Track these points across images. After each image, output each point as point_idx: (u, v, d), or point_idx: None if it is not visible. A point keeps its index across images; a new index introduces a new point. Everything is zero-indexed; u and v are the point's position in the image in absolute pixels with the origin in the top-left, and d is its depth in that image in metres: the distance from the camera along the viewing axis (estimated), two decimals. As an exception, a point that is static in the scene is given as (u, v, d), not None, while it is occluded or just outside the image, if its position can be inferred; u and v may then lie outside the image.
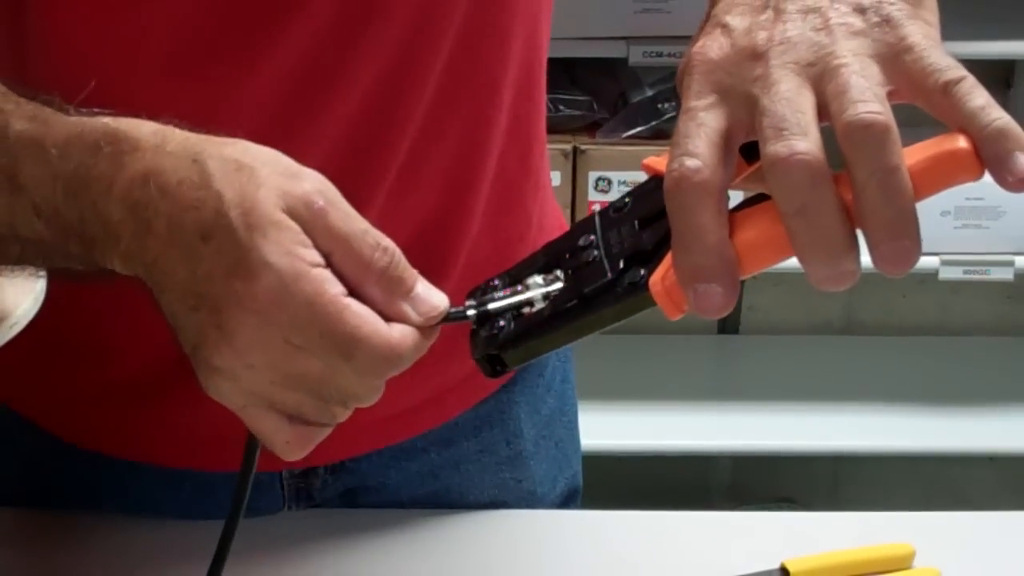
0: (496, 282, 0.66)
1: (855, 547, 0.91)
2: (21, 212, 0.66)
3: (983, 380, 2.15)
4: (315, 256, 0.61)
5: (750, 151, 0.60)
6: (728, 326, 2.30)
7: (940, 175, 0.56)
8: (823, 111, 0.56)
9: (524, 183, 0.94)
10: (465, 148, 0.87)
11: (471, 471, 0.99)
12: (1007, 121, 0.55)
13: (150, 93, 0.78)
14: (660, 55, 1.81)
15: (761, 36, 0.59)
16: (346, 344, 0.61)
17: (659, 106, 1.91)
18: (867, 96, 0.55)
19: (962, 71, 0.57)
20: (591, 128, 1.93)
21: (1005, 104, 2.22)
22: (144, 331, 0.67)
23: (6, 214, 0.67)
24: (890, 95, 0.56)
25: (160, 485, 0.94)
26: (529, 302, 0.64)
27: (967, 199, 1.84)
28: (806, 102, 0.56)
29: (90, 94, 0.72)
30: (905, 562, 0.90)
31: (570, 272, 0.64)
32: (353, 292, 0.62)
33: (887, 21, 0.58)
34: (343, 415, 0.65)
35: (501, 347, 0.64)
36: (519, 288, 0.65)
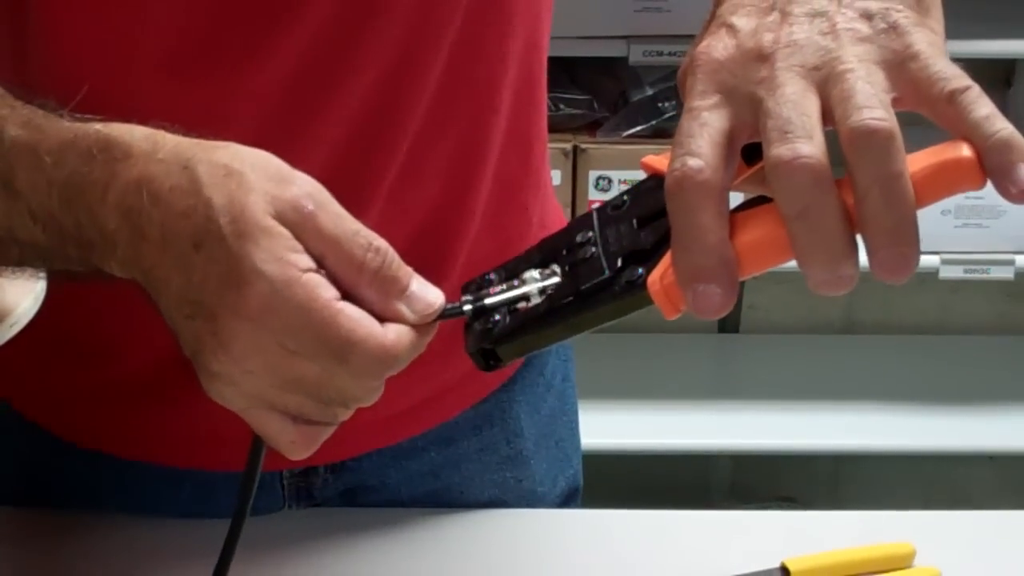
0: (492, 276, 0.66)
1: (855, 546, 0.91)
2: (18, 217, 0.66)
3: (983, 379, 2.14)
4: (306, 261, 0.61)
5: (750, 153, 0.60)
6: (728, 325, 2.30)
7: (943, 183, 0.56)
8: (827, 116, 0.56)
9: (524, 182, 0.94)
10: (465, 147, 0.87)
11: (471, 470, 0.99)
12: (1012, 132, 0.55)
13: (150, 94, 0.78)
14: (660, 54, 1.80)
15: (767, 38, 0.59)
16: (341, 348, 0.61)
17: (659, 105, 1.91)
18: (872, 102, 0.55)
19: (967, 80, 0.56)
20: (591, 127, 1.92)
21: (1005, 103, 2.21)
22: (144, 330, 0.67)
23: (4, 218, 0.67)
24: (894, 102, 0.56)
25: (160, 484, 0.94)
26: (525, 297, 0.64)
27: (967, 198, 1.83)
28: (811, 106, 0.56)
29: (89, 95, 0.72)
30: (905, 561, 0.90)
31: (567, 268, 0.63)
32: (347, 294, 0.62)
33: (893, 28, 0.58)
34: (345, 415, 0.65)
35: (495, 341, 0.64)
36: (515, 283, 0.65)
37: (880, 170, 0.54)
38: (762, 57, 0.58)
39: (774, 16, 0.60)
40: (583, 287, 0.62)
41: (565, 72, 1.96)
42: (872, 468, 2.36)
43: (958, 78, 0.57)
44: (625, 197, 0.64)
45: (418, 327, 0.64)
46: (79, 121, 0.66)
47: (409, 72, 0.82)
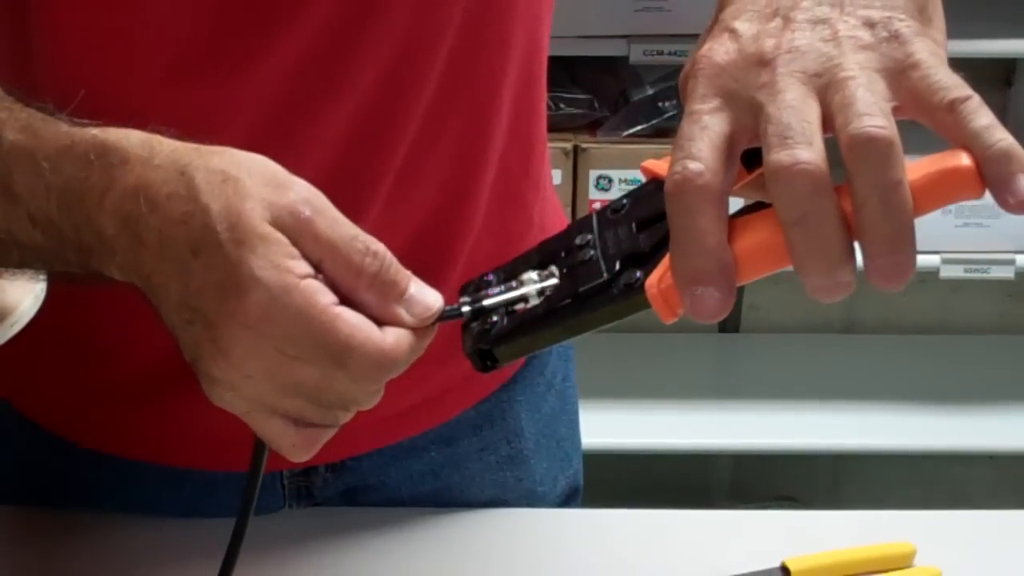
0: (490, 277, 0.66)
1: (856, 546, 0.91)
2: (17, 220, 0.67)
3: (984, 379, 2.14)
4: (304, 267, 0.61)
5: (750, 159, 0.60)
6: (729, 325, 2.30)
7: (941, 192, 0.56)
8: (827, 122, 0.56)
9: (525, 182, 0.94)
10: (465, 148, 0.87)
11: (472, 470, 0.99)
12: (1011, 143, 0.55)
13: (150, 96, 0.78)
14: (661, 53, 1.80)
15: (769, 43, 0.59)
16: (339, 353, 0.61)
17: (660, 104, 1.91)
18: (873, 110, 0.55)
19: (968, 90, 0.57)
20: (592, 126, 1.92)
21: (1005, 103, 2.21)
22: (145, 330, 0.67)
23: (3, 221, 0.67)
24: (895, 110, 0.56)
25: (161, 484, 0.94)
26: (523, 298, 0.64)
27: (968, 198, 1.83)
28: (811, 112, 0.56)
29: (90, 97, 0.72)
30: (905, 561, 0.90)
31: (565, 270, 0.63)
32: (346, 298, 0.62)
33: (895, 37, 0.58)
34: (345, 417, 0.65)
35: (493, 342, 0.64)
36: (513, 284, 0.65)
37: (879, 178, 0.54)
38: (763, 62, 0.58)
39: (776, 22, 0.60)
40: (581, 289, 0.62)
41: (565, 71, 1.96)
42: (872, 468, 2.36)
43: (959, 88, 0.57)
44: (625, 200, 0.64)
45: (417, 330, 0.64)
46: (77, 125, 0.66)
47: (409, 73, 0.82)
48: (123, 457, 0.94)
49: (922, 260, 1.90)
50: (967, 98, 0.56)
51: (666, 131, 1.87)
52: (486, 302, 0.65)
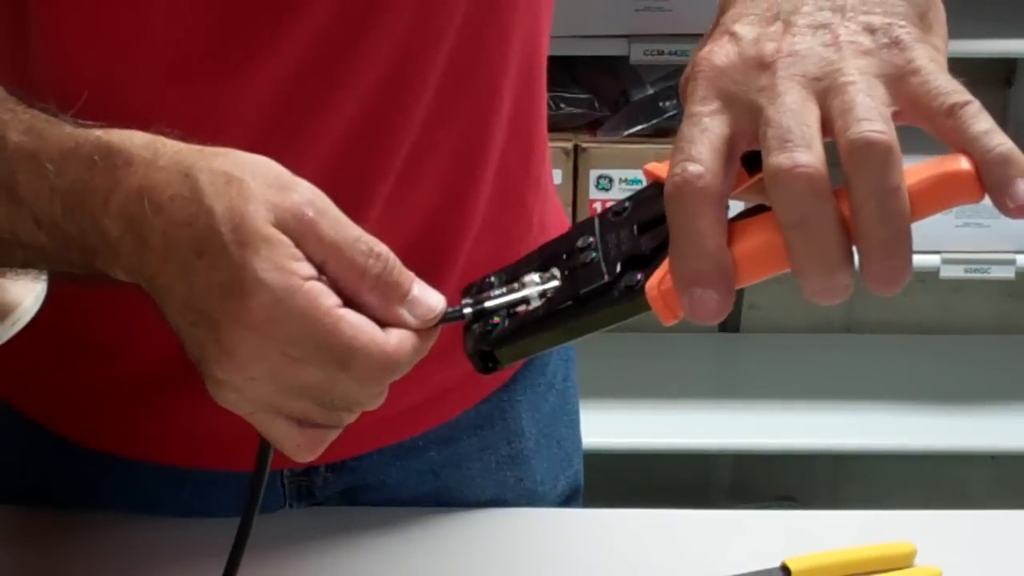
0: (492, 279, 0.66)
1: (856, 546, 0.91)
2: (21, 222, 0.67)
3: (984, 379, 2.14)
4: (307, 269, 0.61)
5: (752, 162, 0.60)
6: (729, 325, 2.30)
7: (940, 196, 0.56)
8: (826, 127, 0.56)
9: (525, 182, 0.94)
10: (465, 148, 0.87)
11: (472, 469, 0.99)
12: (1011, 147, 0.56)
13: (151, 97, 0.78)
14: (661, 53, 1.80)
15: (769, 47, 0.59)
16: (343, 355, 0.61)
17: (660, 104, 1.91)
18: (873, 115, 0.55)
19: (968, 95, 0.57)
20: (592, 126, 1.92)
21: (1006, 103, 2.20)
22: (146, 329, 0.67)
23: (7, 222, 0.67)
24: (894, 116, 0.57)
25: (162, 483, 0.94)
26: (525, 300, 0.64)
27: (968, 198, 1.83)
28: (811, 115, 0.56)
29: (92, 98, 0.72)
30: (906, 561, 0.90)
31: (567, 273, 0.64)
32: (349, 300, 0.62)
33: (896, 43, 0.58)
34: (350, 418, 0.65)
35: (494, 344, 0.64)
36: (515, 286, 0.65)
37: (877, 183, 0.55)
38: (763, 65, 0.59)
39: (777, 26, 0.60)
40: (582, 291, 0.62)
41: (566, 71, 1.96)
42: (873, 467, 2.36)
43: (958, 93, 0.57)
44: (627, 203, 0.64)
45: (420, 331, 0.64)
46: (80, 127, 0.66)
47: (409, 73, 0.82)
48: (124, 457, 0.94)
49: (922, 260, 1.91)
50: (967, 103, 0.56)
51: (667, 131, 1.87)
52: (488, 304, 0.65)
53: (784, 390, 2.10)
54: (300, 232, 0.62)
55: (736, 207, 0.60)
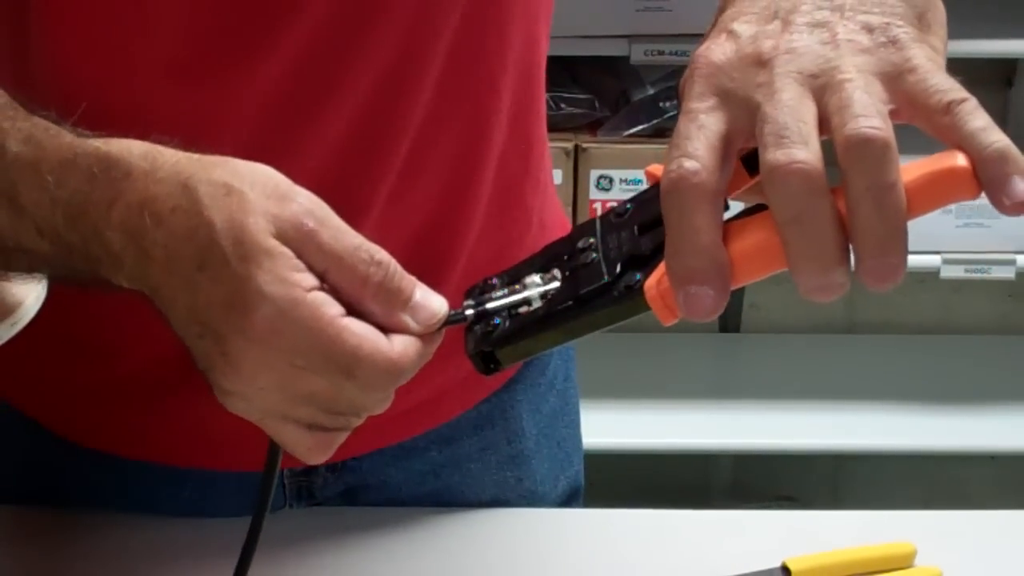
0: (494, 281, 0.66)
1: (856, 546, 0.91)
2: (25, 231, 0.67)
3: (985, 379, 2.14)
4: (309, 280, 0.62)
5: (752, 163, 0.60)
6: (729, 325, 2.30)
7: (937, 193, 0.56)
8: (823, 124, 0.56)
9: (525, 182, 0.94)
10: (465, 148, 0.87)
11: (472, 470, 0.99)
12: (1007, 144, 0.55)
13: (150, 96, 0.78)
14: (662, 53, 1.80)
15: (767, 44, 0.59)
16: (348, 364, 0.62)
17: (661, 104, 1.91)
18: (870, 112, 0.55)
19: (965, 93, 0.57)
20: (592, 126, 1.92)
21: (1006, 103, 2.20)
22: (146, 330, 0.67)
23: (11, 231, 0.68)
24: (891, 114, 0.56)
25: (162, 483, 0.94)
26: (526, 301, 0.64)
27: (968, 197, 1.83)
28: (808, 112, 0.56)
29: (92, 100, 0.72)
30: (906, 561, 0.90)
31: (567, 273, 0.64)
32: (352, 308, 0.62)
33: (894, 42, 0.58)
34: (358, 422, 0.66)
35: (495, 344, 0.64)
36: (516, 287, 0.65)
37: (874, 179, 0.55)
38: (761, 62, 0.59)
39: (775, 24, 0.60)
40: (582, 292, 0.62)
41: (566, 71, 1.96)
42: (873, 468, 2.36)
43: (955, 90, 0.57)
44: (628, 204, 0.64)
45: (423, 336, 0.64)
46: (79, 136, 0.66)
47: (408, 73, 0.82)
48: (124, 457, 0.94)
49: (923, 260, 1.91)
50: (963, 100, 0.56)
51: (667, 131, 1.85)
52: (489, 305, 0.65)
53: (784, 390, 2.10)
54: (301, 242, 0.62)
55: (736, 210, 0.60)
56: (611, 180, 1.87)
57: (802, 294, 0.57)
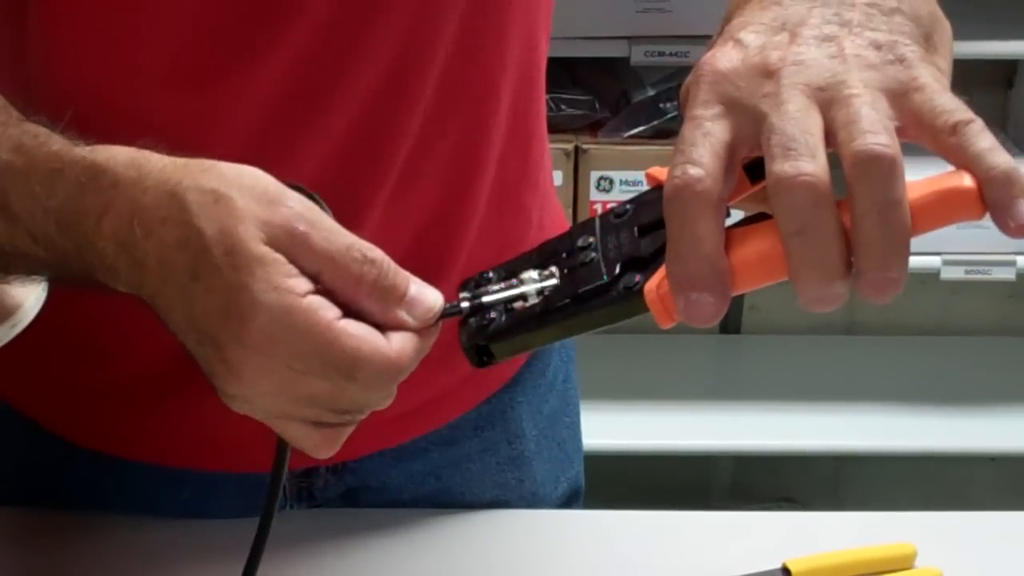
0: (490, 275, 0.66)
1: (856, 547, 0.91)
2: (20, 238, 0.67)
3: (985, 380, 2.14)
4: (304, 285, 0.61)
5: (754, 171, 0.60)
6: (730, 326, 2.30)
7: (941, 212, 0.56)
8: (828, 137, 0.57)
9: (524, 183, 0.94)
10: (464, 149, 0.87)
11: (473, 471, 0.99)
12: (1013, 167, 0.56)
13: (151, 102, 0.78)
14: (662, 54, 1.80)
15: (775, 55, 0.59)
16: (348, 367, 0.62)
17: (661, 105, 1.91)
18: (877, 128, 0.56)
19: (971, 114, 0.57)
20: (593, 127, 1.93)
21: (1006, 104, 2.19)
22: (146, 331, 0.67)
23: (6, 236, 0.68)
24: (897, 131, 0.57)
25: (162, 485, 0.94)
26: (522, 296, 0.64)
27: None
28: (815, 125, 0.57)
29: (90, 102, 0.72)
30: (907, 562, 0.90)
31: (566, 271, 0.64)
32: (347, 307, 0.62)
33: (901, 60, 0.58)
34: (362, 416, 0.66)
35: (490, 338, 0.64)
36: (513, 282, 0.65)
37: (879, 195, 0.55)
38: (768, 73, 0.59)
39: (783, 35, 0.60)
40: (581, 290, 0.62)
41: (566, 72, 1.96)
42: (873, 469, 2.36)
43: (962, 111, 0.57)
44: (628, 206, 0.64)
45: (421, 331, 0.64)
46: (66, 144, 0.66)
47: (408, 74, 0.82)
48: (124, 458, 0.94)
49: (923, 261, 1.91)
50: (970, 121, 0.57)
51: (667, 132, 1.87)
52: (485, 299, 0.65)
53: (784, 391, 2.10)
54: (293, 247, 0.62)
55: (736, 216, 0.60)
56: (611, 181, 1.88)
57: (801, 304, 0.57)
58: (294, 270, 0.61)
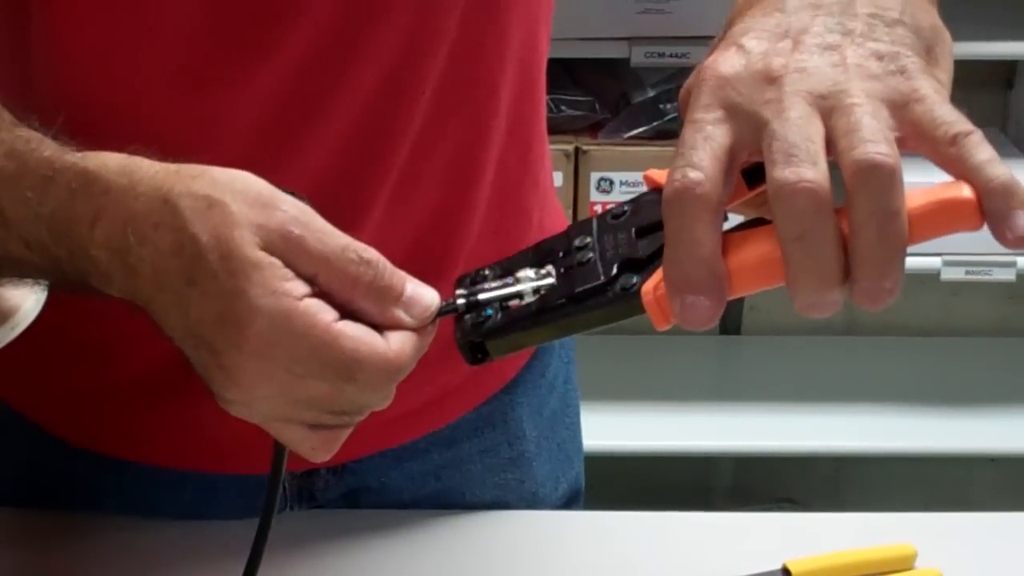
0: (487, 272, 0.67)
1: (857, 548, 0.91)
2: (12, 243, 0.67)
3: (985, 381, 2.14)
4: (300, 288, 0.62)
5: (751, 176, 0.60)
6: (730, 326, 2.30)
7: (940, 222, 0.57)
8: (829, 146, 0.57)
9: (524, 184, 0.94)
10: (465, 149, 0.87)
11: (473, 472, 0.99)
12: (1013, 179, 0.56)
13: (153, 103, 0.78)
14: (662, 55, 1.80)
15: (777, 62, 0.59)
16: (347, 369, 0.62)
17: (661, 106, 1.91)
18: (878, 137, 0.56)
19: (971, 126, 0.57)
20: (593, 128, 1.92)
21: (1006, 105, 2.19)
22: (145, 333, 0.67)
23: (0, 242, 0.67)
24: (896, 142, 0.57)
25: (161, 486, 0.94)
26: (518, 295, 0.64)
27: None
28: (816, 132, 0.57)
29: (93, 104, 0.72)
30: (907, 563, 0.90)
31: (562, 270, 0.64)
32: (344, 308, 0.63)
33: (902, 71, 0.59)
34: (360, 418, 0.66)
35: (485, 336, 0.64)
36: (509, 280, 0.65)
37: (878, 204, 0.55)
38: (770, 79, 0.59)
39: (786, 43, 0.60)
40: (577, 290, 0.62)
41: (567, 73, 1.96)
42: (873, 470, 2.36)
43: (962, 122, 0.57)
44: (626, 207, 0.64)
45: (418, 330, 0.64)
46: (58, 150, 0.66)
47: (408, 75, 0.82)
48: (124, 459, 0.94)
49: (923, 262, 1.91)
50: (970, 132, 0.57)
51: (667, 133, 1.87)
52: (482, 296, 0.65)
53: (785, 392, 2.10)
54: (288, 250, 0.62)
55: (734, 221, 0.61)
56: (611, 182, 1.88)
57: (797, 309, 0.57)
58: (290, 273, 0.62)
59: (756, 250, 0.58)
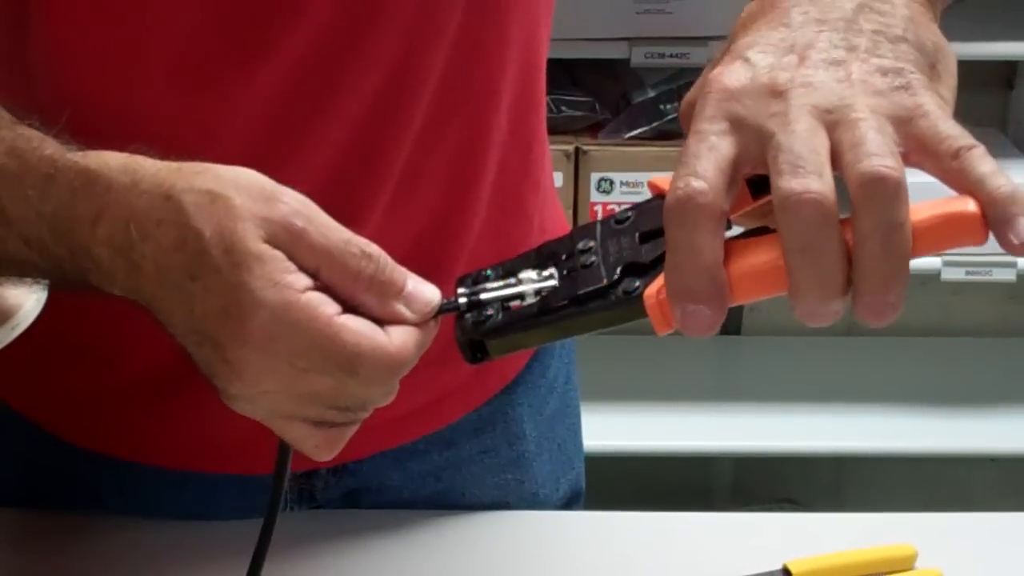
0: (488, 272, 0.67)
1: (857, 548, 0.91)
2: (13, 242, 0.67)
3: (985, 381, 2.14)
4: (302, 281, 0.62)
5: (756, 186, 0.61)
6: (730, 327, 2.30)
7: (944, 235, 0.57)
8: (834, 159, 0.57)
9: (524, 184, 0.94)
10: (465, 150, 0.87)
11: (473, 472, 0.99)
12: (1015, 188, 0.57)
13: (153, 104, 0.78)
14: (662, 56, 1.80)
15: (783, 76, 0.60)
16: (349, 363, 0.62)
17: (661, 107, 1.91)
18: (883, 151, 0.56)
19: (974, 140, 0.58)
20: (593, 129, 1.92)
21: (1006, 105, 2.19)
22: (146, 333, 0.67)
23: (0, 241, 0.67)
24: (900, 156, 0.57)
25: (162, 486, 0.94)
26: (520, 296, 0.65)
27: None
28: (822, 145, 0.57)
29: (92, 105, 0.72)
30: (907, 563, 0.90)
31: (565, 272, 0.64)
32: (346, 302, 0.63)
33: (906, 88, 0.59)
34: (364, 415, 0.66)
35: (486, 335, 0.65)
36: (511, 280, 0.65)
37: (883, 217, 0.55)
38: (776, 93, 0.59)
39: (791, 57, 0.61)
40: (580, 292, 0.63)
41: (567, 74, 1.96)
42: (874, 470, 2.36)
43: (965, 137, 0.58)
44: (630, 213, 0.65)
45: (420, 325, 0.64)
46: (59, 148, 0.66)
47: (408, 76, 0.82)
48: (124, 459, 0.94)
49: (923, 262, 1.91)
50: (972, 147, 0.58)
51: (667, 134, 1.87)
52: (483, 295, 0.65)
53: (785, 392, 2.10)
54: (291, 243, 0.62)
55: (737, 231, 0.61)
56: (612, 183, 1.87)
57: (797, 317, 0.58)
58: (292, 266, 0.62)
59: (759, 258, 0.58)
